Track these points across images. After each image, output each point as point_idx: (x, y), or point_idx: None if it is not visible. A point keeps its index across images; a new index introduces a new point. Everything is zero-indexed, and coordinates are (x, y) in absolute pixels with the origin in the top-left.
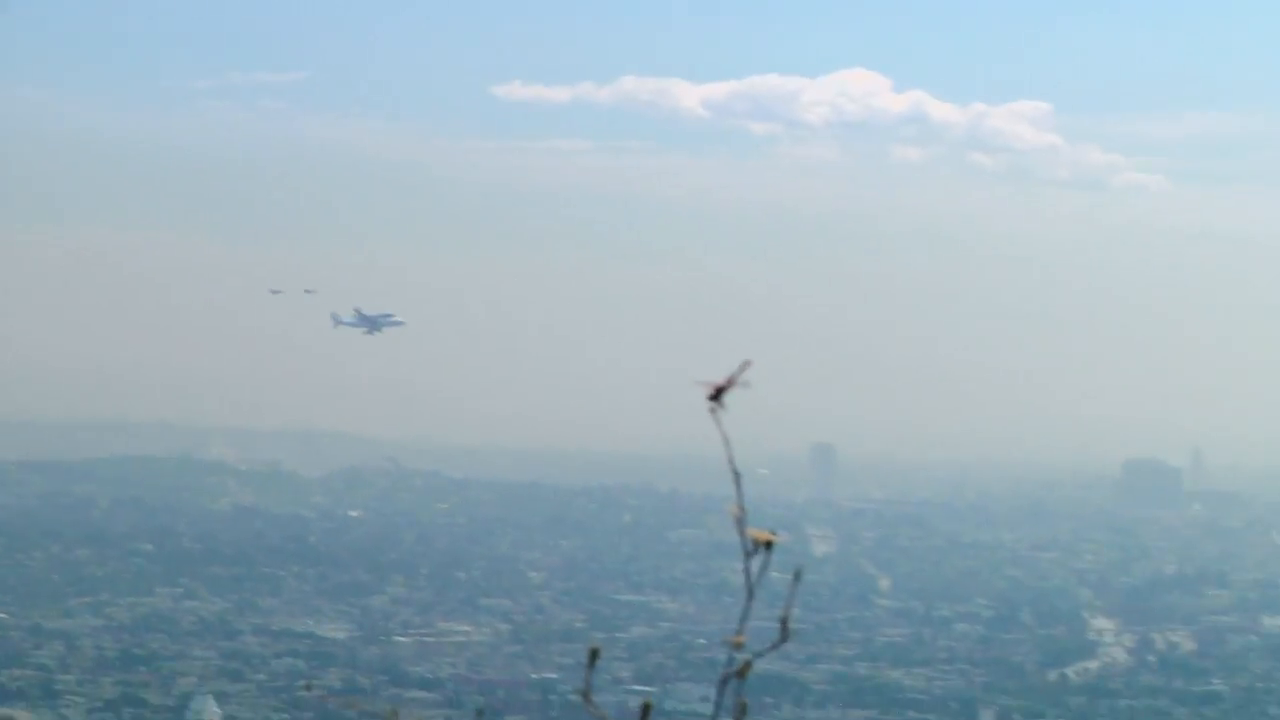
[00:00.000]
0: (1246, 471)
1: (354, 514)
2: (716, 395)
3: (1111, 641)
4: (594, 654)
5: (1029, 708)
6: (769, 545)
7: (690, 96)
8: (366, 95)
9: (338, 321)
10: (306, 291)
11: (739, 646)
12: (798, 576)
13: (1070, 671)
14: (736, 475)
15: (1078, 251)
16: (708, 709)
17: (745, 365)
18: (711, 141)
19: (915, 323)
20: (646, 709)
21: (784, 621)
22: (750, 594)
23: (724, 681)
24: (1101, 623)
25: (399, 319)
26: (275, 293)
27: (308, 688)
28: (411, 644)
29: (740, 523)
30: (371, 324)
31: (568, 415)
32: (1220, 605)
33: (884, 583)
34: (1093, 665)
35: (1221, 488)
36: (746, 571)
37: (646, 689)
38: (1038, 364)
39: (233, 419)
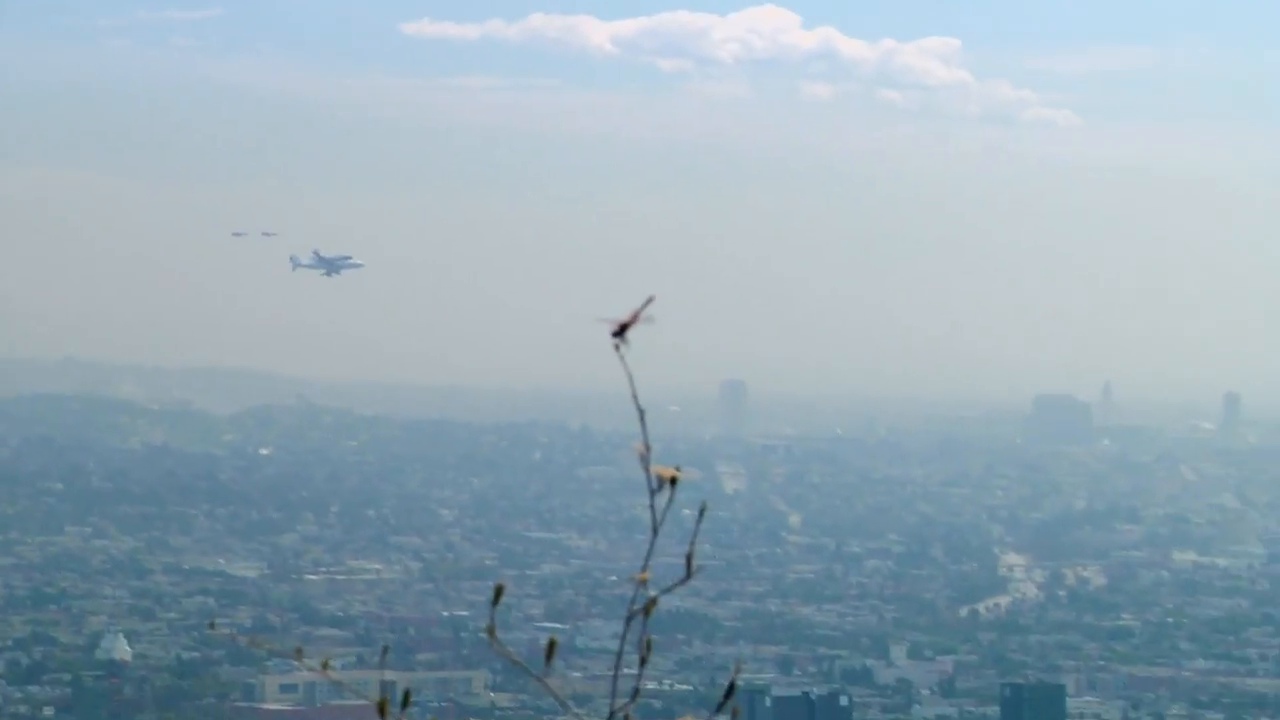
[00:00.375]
0: (1156, 406)
1: (264, 452)
2: (620, 332)
3: (1022, 577)
4: (499, 591)
5: (940, 643)
6: (674, 481)
7: (599, 33)
8: (276, 33)
9: (296, 264)
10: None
11: (644, 583)
12: (703, 512)
13: (981, 607)
14: (641, 412)
15: (987, 187)
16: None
17: (649, 301)
18: (620, 79)
19: (825, 260)
20: (552, 645)
21: (689, 558)
22: (655, 531)
23: (629, 619)
24: (1012, 558)
25: (358, 261)
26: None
27: (212, 626)
28: (322, 582)
29: (644, 459)
30: (330, 266)
31: (477, 353)
32: (1130, 540)
33: (794, 519)
34: (1003, 601)
35: (1131, 423)
36: (651, 508)
37: (557, 626)
38: (947, 300)
39: (142, 357)
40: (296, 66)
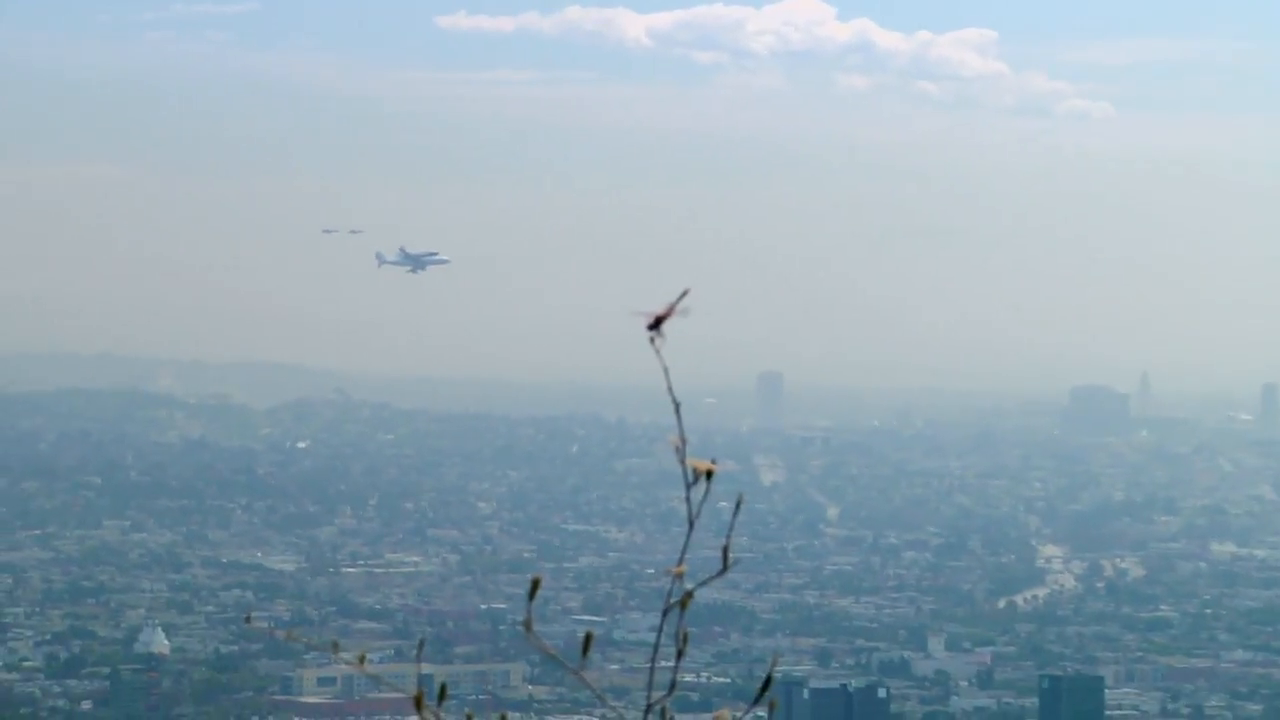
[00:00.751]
0: (1194, 397)
1: (302, 446)
2: (656, 325)
3: (1060, 569)
4: (535, 584)
5: (977, 635)
6: (709, 474)
7: (635, 26)
8: (311, 26)
9: (381, 260)
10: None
11: (680, 576)
12: (739, 505)
13: (1019, 599)
14: (676, 404)
15: (1023, 178)
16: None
17: (684, 294)
18: (656, 71)
19: (861, 252)
20: (588, 639)
21: (725, 550)
22: (691, 524)
23: (666, 612)
24: (1050, 550)
25: (444, 257)
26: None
27: (248, 619)
28: (360, 575)
29: (680, 452)
30: (416, 262)
31: (515, 346)
32: (1168, 531)
33: (832, 511)
34: (1041, 593)
35: (1169, 414)
36: (688, 501)
37: (595, 619)
38: (984, 291)
39: (180, 351)
40: (331, 60)
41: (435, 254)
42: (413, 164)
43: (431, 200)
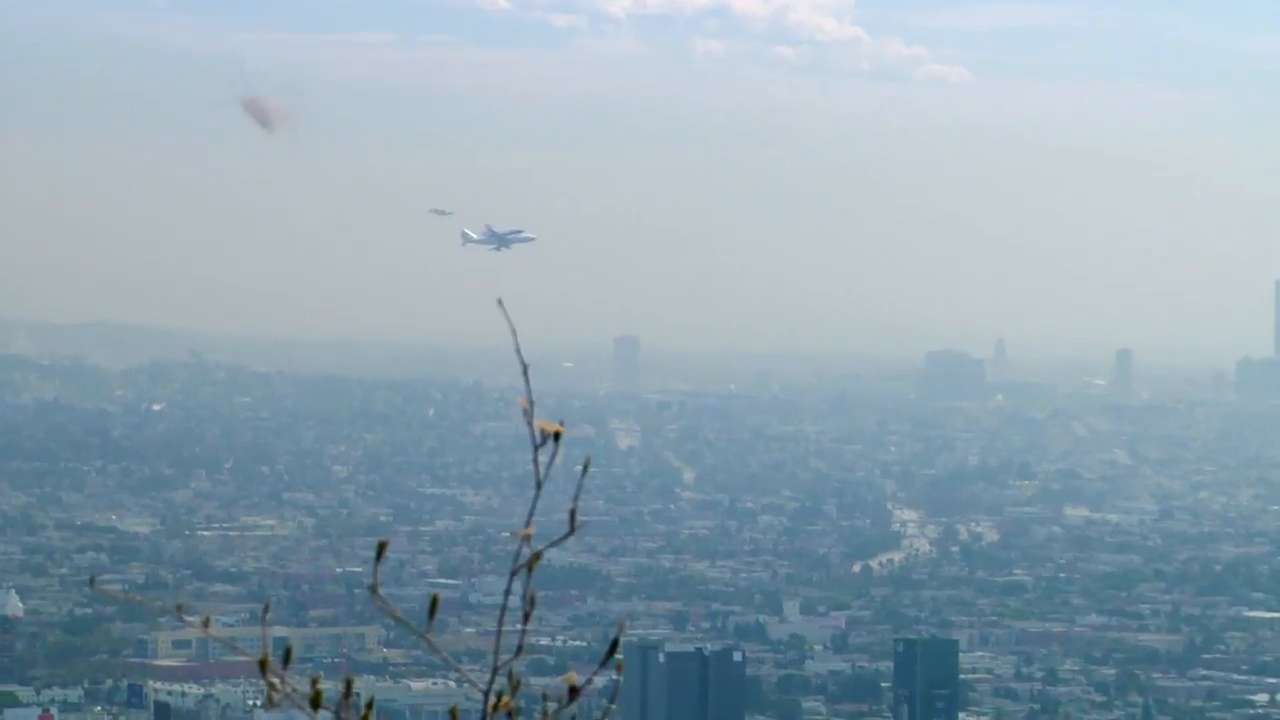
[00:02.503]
0: (1048, 363)
1: (156, 408)
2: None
3: (915, 533)
4: (382, 547)
5: (832, 599)
6: (557, 436)
7: None
8: None
9: (466, 239)
10: (440, 213)
11: (528, 539)
12: (586, 467)
13: (874, 563)
14: (524, 366)
15: (880, 144)
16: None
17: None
18: (513, 34)
19: (717, 217)
20: (434, 602)
21: (573, 513)
22: (539, 486)
23: (513, 574)
24: (905, 514)
25: (529, 235)
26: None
27: (92, 583)
28: (215, 538)
29: (528, 414)
30: (501, 240)
31: (370, 307)
32: (1023, 496)
33: (688, 475)
34: (896, 557)
35: (1024, 379)
36: (535, 463)
37: (451, 582)
38: (840, 256)
39: (33, 312)
40: (186, 21)
41: (520, 231)
42: None
43: (290, 160)
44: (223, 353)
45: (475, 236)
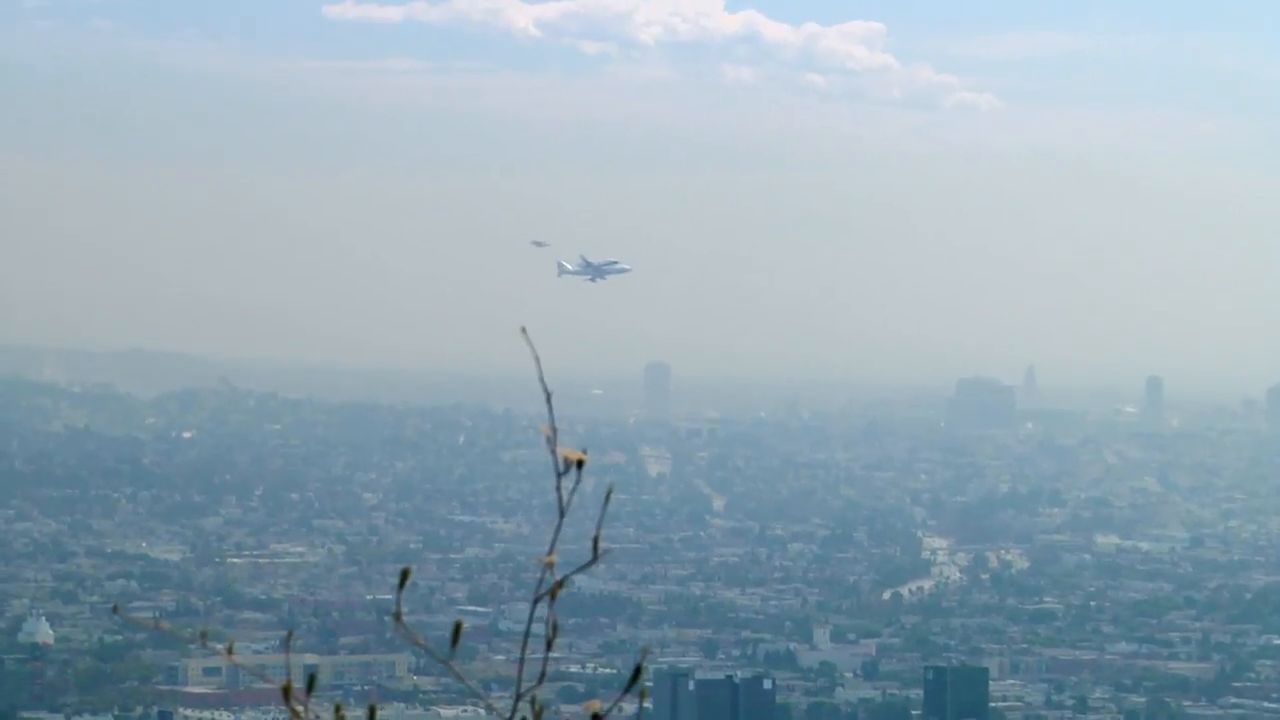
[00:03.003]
0: (1079, 390)
1: (187, 435)
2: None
3: (945, 560)
4: (405, 575)
5: (863, 626)
6: (580, 464)
7: (522, 16)
8: (197, 14)
9: (562, 270)
10: (539, 244)
11: (550, 566)
12: (609, 495)
13: (904, 590)
14: (548, 394)
15: (911, 171)
16: (541, 629)
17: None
18: (544, 61)
19: (748, 244)
20: (458, 629)
21: (595, 541)
22: (562, 513)
23: (536, 601)
24: (936, 542)
25: (625, 265)
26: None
27: (116, 610)
28: (245, 565)
29: (551, 441)
30: (596, 271)
31: (402, 335)
32: (1053, 524)
33: (718, 502)
34: (926, 584)
35: (1055, 406)
36: (558, 491)
37: (481, 609)
38: (872, 284)
39: (64, 340)
40: (219, 49)
41: (615, 263)
42: (303, 152)
43: (323, 188)
44: (253, 380)
45: (571, 268)
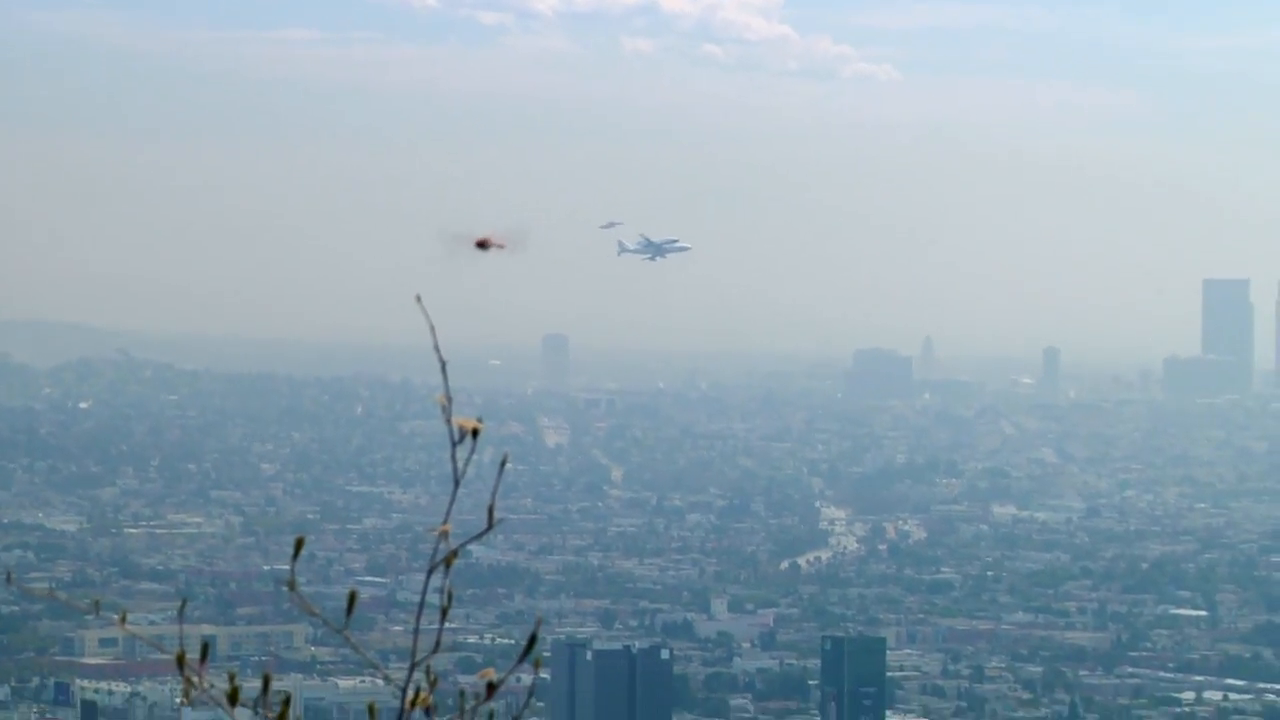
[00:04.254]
0: (976, 361)
1: (84, 406)
2: (482, 246)
3: (843, 531)
4: (299, 544)
5: (760, 597)
6: (476, 433)
7: None
8: None
9: (623, 249)
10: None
11: (446, 536)
12: (504, 465)
13: (802, 561)
14: (443, 363)
15: (808, 142)
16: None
17: (517, 233)
18: (441, 31)
19: (645, 214)
20: (352, 599)
21: (490, 510)
22: (457, 483)
23: (430, 571)
24: (833, 512)
25: (684, 244)
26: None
27: (10, 580)
28: (142, 536)
29: (446, 411)
30: (657, 250)
31: (300, 306)
32: (950, 494)
33: (616, 473)
34: (824, 555)
35: (952, 377)
36: (454, 461)
37: (378, 580)
38: (769, 255)
39: None
40: (117, 19)
41: (676, 241)
42: (200, 124)
43: (219, 159)
44: (150, 350)
45: (631, 246)
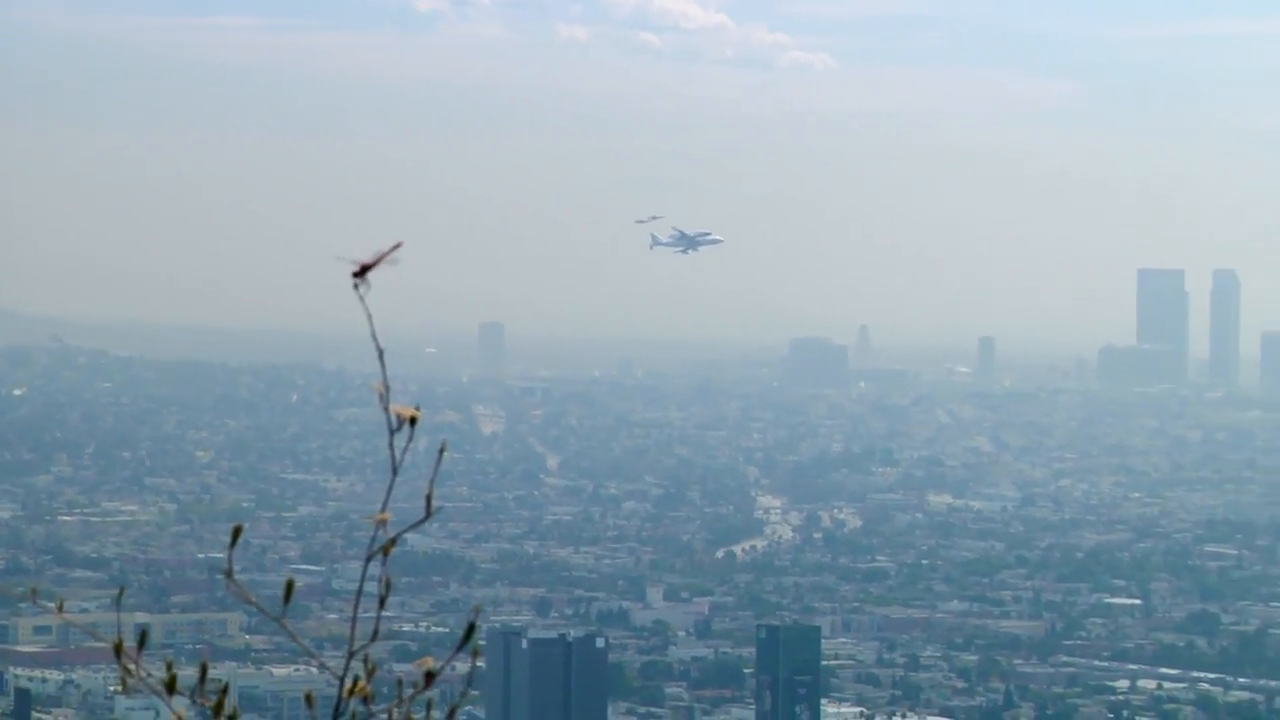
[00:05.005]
0: (912, 350)
1: (17, 393)
2: (362, 273)
3: (778, 519)
4: (237, 532)
5: (696, 585)
6: (413, 421)
7: None
8: None
9: (656, 242)
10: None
11: (383, 524)
12: (442, 452)
13: (737, 549)
14: (380, 351)
15: (744, 131)
16: (374, 587)
17: (395, 246)
18: (375, 17)
19: (581, 203)
20: (289, 587)
21: (428, 499)
22: (395, 470)
23: (369, 559)
24: (769, 500)
25: (717, 237)
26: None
27: None
28: (76, 523)
29: (384, 399)
30: (690, 243)
31: (233, 292)
32: (886, 483)
33: (552, 461)
34: (759, 543)
35: (888, 366)
36: (391, 448)
37: (314, 568)
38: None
39: None
40: (51, 5)
41: (709, 234)
42: (136, 108)
43: (155, 145)
44: (84, 337)
45: (664, 239)
